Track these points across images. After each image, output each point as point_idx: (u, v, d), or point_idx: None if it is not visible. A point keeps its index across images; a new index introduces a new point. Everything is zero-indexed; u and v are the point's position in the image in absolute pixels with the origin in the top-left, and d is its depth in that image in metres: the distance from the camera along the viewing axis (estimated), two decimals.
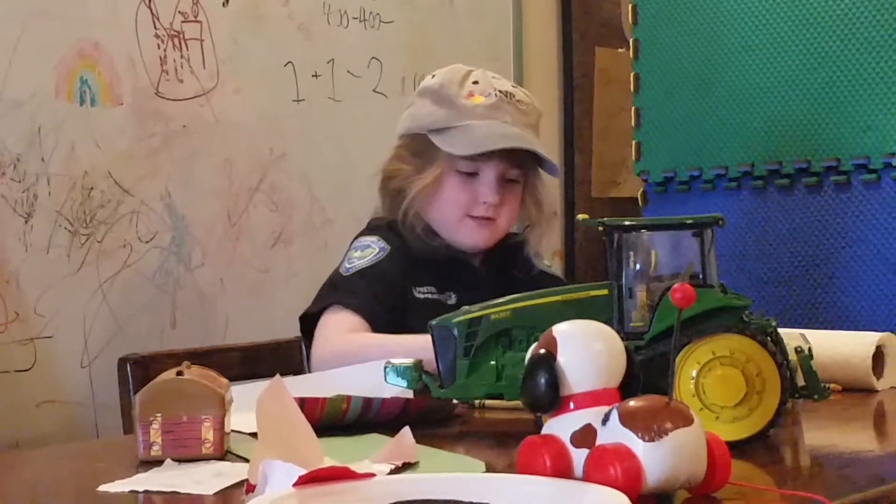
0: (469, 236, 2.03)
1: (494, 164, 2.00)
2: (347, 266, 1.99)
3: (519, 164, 2.03)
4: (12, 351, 2.23)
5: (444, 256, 2.03)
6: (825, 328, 1.99)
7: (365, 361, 1.73)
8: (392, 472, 1.17)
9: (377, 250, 1.99)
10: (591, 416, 1.02)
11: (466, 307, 1.45)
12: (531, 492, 0.99)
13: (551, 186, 2.23)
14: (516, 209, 2.07)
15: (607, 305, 1.35)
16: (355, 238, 2.07)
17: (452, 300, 2.00)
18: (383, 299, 1.93)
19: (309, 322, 1.98)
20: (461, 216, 2.02)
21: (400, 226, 2.02)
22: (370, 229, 2.07)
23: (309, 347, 1.96)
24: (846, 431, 1.50)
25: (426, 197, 2.01)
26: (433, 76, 2.08)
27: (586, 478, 0.98)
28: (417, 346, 1.65)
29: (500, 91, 2.03)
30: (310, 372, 1.91)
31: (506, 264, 2.09)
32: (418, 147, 2.04)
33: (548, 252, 2.23)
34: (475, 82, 2.04)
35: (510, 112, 2.02)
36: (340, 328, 1.90)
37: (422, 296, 1.99)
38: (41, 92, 2.28)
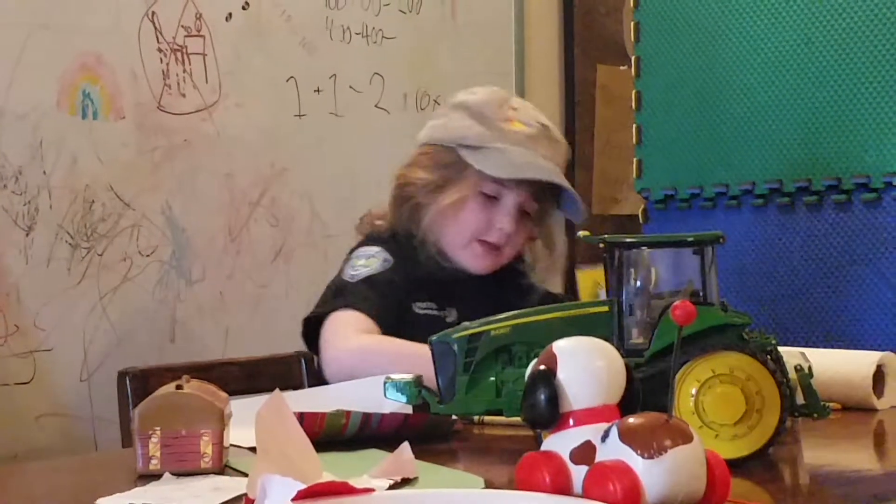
0: (473, 261, 2.02)
1: (519, 192, 1.99)
2: (352, 273, 1.97)
3: (539, 198, 2.02)
4: (12, 364, 2.23)
5: (446, 275, 2.02)
6: (825, 347, 1.98)
7: (379, 362, 1.75)
8: (391, 487, 1.17)
9: (381, 260, 1.98)
10: (591, 432, 1.02)
11: (466, 323, 1.45)
12: None
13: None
14: (522, 243, 2.06)
15: (607, 322, 1.35)
16: (356, 247, 2.05)
17: (453, 317, 1.99)
18: (389, 308, 1.93)
19: (312, 327, 1.96)
20: (471, 239, 2.00)
21: (417, 245, 2.01)
22: (372, 240, 2.05)
23: (313, 351, 1.94)
24: (846, 450, 1.50)
25: (444, 215, 2.00)
26: (472, 93, 2.06)
27: (585, 494, 0.98)
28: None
29: (541, 123, 2.01)
30: (321, 370, 1.89)
31: (507, 287, 2.08)
32: (446, 159, 2.01)
33: None
34: (514, 108, 2.02)
35: (547, 146, 2.00)
36: (355, 327, 1.88)
37: (422, 311, 1.98)
38: (43, 105, 2.29)
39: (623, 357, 1.08)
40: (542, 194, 2.01)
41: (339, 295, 1.95)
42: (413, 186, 2.03)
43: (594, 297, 1.70)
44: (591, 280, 1.70)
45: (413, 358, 1.77)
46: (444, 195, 1.99)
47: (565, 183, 2.00)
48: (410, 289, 1.99)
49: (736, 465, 1.16)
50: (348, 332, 1.88)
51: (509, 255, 2.05)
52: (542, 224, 2.07)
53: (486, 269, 2.03)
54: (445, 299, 2.01)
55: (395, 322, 1.92)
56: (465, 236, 2.00)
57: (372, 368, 1.79)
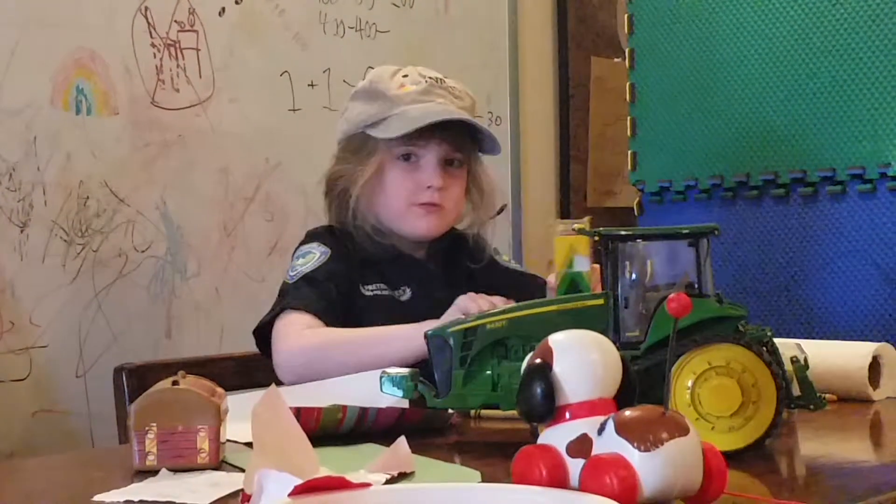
0: (416, 225, 2.01)
1: (434, 146, 1.99)
2: (292, 274, 1.98)
3: (459, 147, 2.02)
4: (7, 360, 2.23)
5: (390, 255, 2.02)
6: (821, 338, 1.99)
7: (330, 355, 1.81)
8: (388, 481, 1.17)
9: (318, 254, 1.98)
10: (587, 425, 1.02)
11: (461, 317, 1.45)
12: (527, 501, 0.99)
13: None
14: (462, 195, 2.05)
15: (603, 315, 1.35)
16: (295, 249, 2.06)
17: (407, 295, 1.99)
18: (332, 299, 1.92)
19: (263, 336, 1.96)
20: (407, 205, 2.00)
21: (350, 227, 2.01)
22: (308, 237, 2.06)
23: (268, 358, 1.95)
24: (842, 441, 1.50)
25: (370, 191, 2.00)
26: (363, 79, 2.10)
27: (582, 488, 0.98)
28: (376, 336, 1.82)
29: (430, 77, 2.03)
30: (278, 378, 1.90)
31: (454, 257, 2.09)
32: (356, 145, 2.04)
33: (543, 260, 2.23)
34: (405, 76, 2.04)
35: (443, 95, 2.02)
36: (297, 327, 1.88)
37: (370, 293, 1.98)
38: (37, 101, 2.28)
39: (619, 350, 1.08)
40: (460, 142, 2.02)
41: (280, 299, 1.96)
42: (338, 179, 2.05)
43: (567, 262, 1.70)
44: (566, 245, 1.70)
45: (358, 344, 1.83)
46: (364, 172, 2.00)
47: (465, 116, 2.00)
48: (355, 273, 1.99)
49: (732, 457, 1.16)
50: (291, 333, 1.88)
51: (452, 213, 2.04)
52: (470, 170, 2.07)
53: (432, 230, 2.02)
54: (397, 278, 2.01)
55: (344, 309, 1.93)
56: (400, 204, 2.00)
57: (320, 362, 1.82)
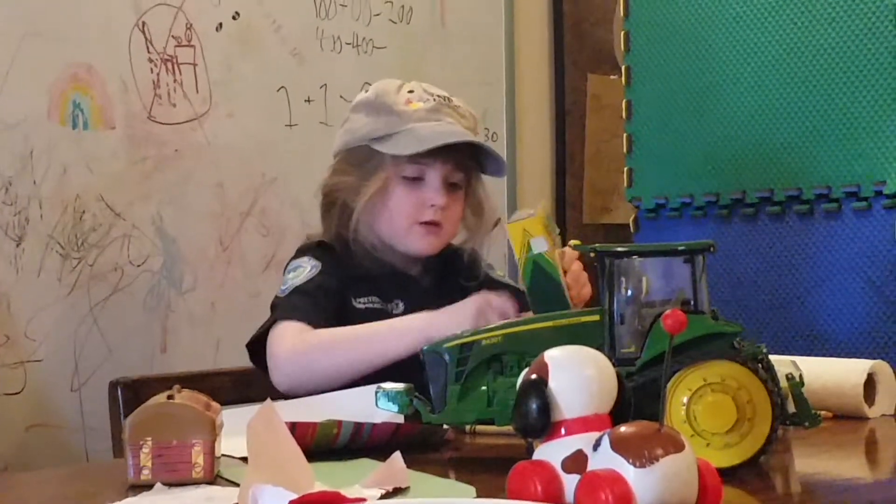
0: (418, 243, 2.02)
1: (440, 166, 2.00)
2: (283, 288, 1.98)
3: (462, 168, 2.03)
4: (2, 374, 2.23)
5: (385, 270, 2.03)
6: (816, 355, 1.99)
7: (332, 352, 1.83)
8: (382, 496, 1.17)
9: (309, 268, 1.99)
10: (583, 441, 1.02)
11: (457, 332, 1.45)
12: None
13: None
14: (460, 214, 2.07)
15: (599, 331, 1.35)
16: (287, 264, 2.06)
17: (399, 309, 2.00)
18: (323, 309, 1.93)
19: (256, 351, 1.96)
20: (409, 223, 2.01)
21: (350, 242, 2.02)
22: (299, 252, 2.06)
23: (264, 371, 1.94)
24: (837, 459, 1.50)
25: (372, 206, 2.00)
26: (366, 90, 2.09)
27: (577, 503, 0.98)
28: (374, 331, 1.85)
29: (438, 96, 2.04)
30: (273, 393, 1.89)
31: (447, 273, 2.09)
32: (360, 158, 2.03)
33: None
34: (410, 91, 2.04)
35: (450, 115, 2.03)
36: (291, 333, 1.88)
37: (362, 306, 1.99)
38: (33, 115, 2.29)
39: (614, 366, 1.08)
40: (464, 162, 2.03)
41: (274, 311, 1.96)
42: (338, 192, 2.05)
43: (525, 248, 1.71)
44: (520, 230, 1.71)
45: (351, 341, 1.85)
46: (368, 187, 2.00)
47: (476, 139, 2.02)
48: (347, 286, 1.99)
49: (727, 474, 1.16)
50: (286, 336, 1.88)
51: (450, 231, 2.06)
52: (469, 190, 2.08)
53: (432, 249, 2.04)
54: (390, 293, 2.02)
55: (336, 321, 1.92)
56: (403, 223, 2.01)
57: (318, 362, 1.84)
